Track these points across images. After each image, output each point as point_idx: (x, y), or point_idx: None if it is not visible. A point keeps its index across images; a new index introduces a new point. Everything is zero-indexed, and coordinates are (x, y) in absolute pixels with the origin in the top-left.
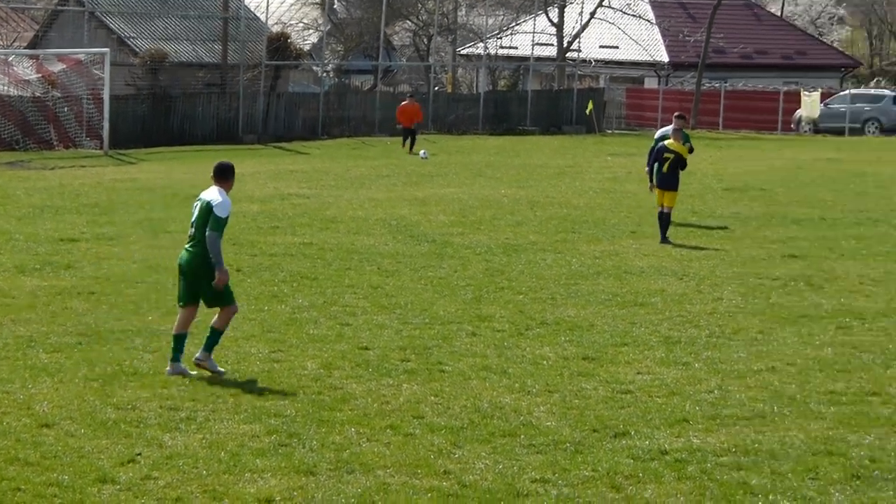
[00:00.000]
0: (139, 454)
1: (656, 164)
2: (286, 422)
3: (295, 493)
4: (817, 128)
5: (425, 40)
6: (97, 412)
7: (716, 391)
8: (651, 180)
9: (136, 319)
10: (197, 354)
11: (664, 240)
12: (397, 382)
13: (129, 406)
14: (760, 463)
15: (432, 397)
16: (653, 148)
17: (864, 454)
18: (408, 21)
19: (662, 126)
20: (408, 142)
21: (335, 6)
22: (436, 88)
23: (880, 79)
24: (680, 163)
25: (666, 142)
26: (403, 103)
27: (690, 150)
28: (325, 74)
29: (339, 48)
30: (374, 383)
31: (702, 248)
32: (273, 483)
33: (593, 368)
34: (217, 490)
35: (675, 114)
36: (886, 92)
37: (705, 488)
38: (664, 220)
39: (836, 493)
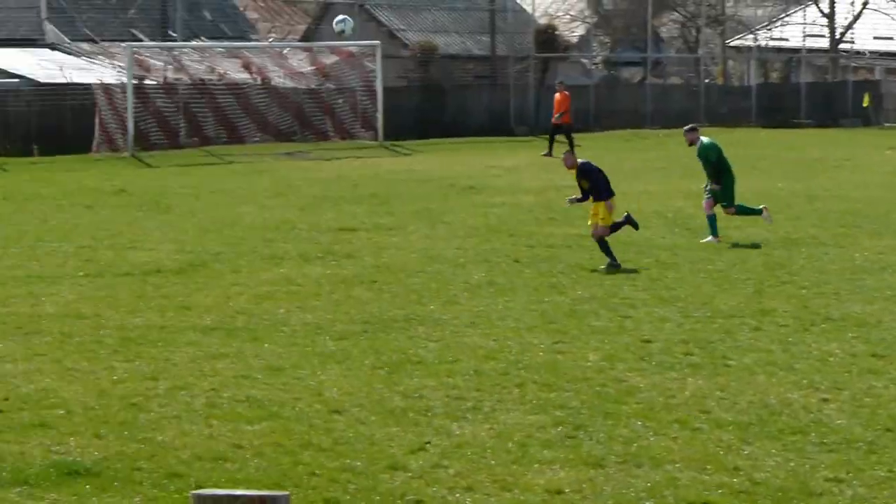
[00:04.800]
0: (428, 442)
1: None
2: (572, 413)
3: (584, 486)
4: None
5: (694, 32)
6: (385, 400)
7: None
8: None
9: (419, 308)
10: None
11: None
12: (682, 376)
13: (416, 394)
14: None
15: (718, 392)
16: None
17: None
18: (675, 12)
19: None
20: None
21: None
22: (706, 81)
23: None
24: None
25: None
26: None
27: None
28: (594, 66)
29: (606, 40)
30: (658, 377)
31: None
32: (562, 475)
33: (883, 366)
34: (506, 480)
35: None
36: None
37: None
38: None
39: None
